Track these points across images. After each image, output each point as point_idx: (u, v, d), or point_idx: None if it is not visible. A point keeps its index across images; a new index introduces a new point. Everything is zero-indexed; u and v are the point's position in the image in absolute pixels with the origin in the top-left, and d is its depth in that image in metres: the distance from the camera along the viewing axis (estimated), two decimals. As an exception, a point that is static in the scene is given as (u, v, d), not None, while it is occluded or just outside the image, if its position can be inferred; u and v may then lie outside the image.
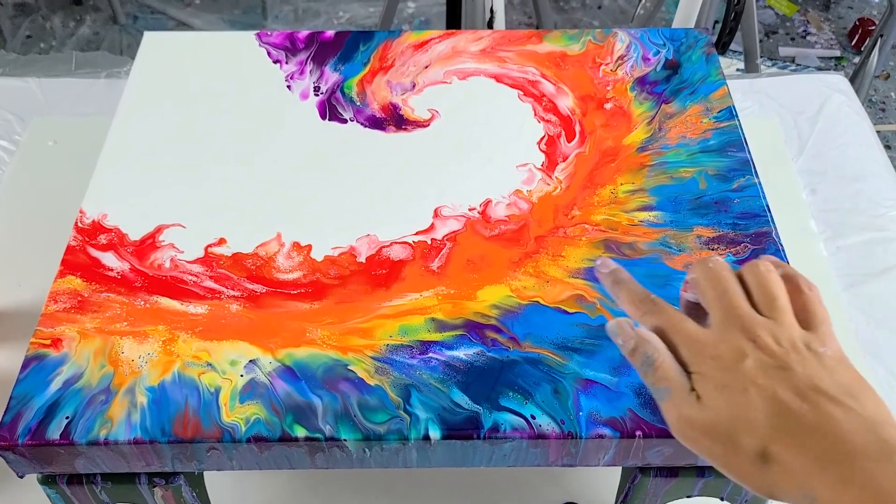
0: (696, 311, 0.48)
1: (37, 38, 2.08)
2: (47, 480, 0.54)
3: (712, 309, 0.46)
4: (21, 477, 0.54)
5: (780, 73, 1.03)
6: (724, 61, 0.75)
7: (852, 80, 1.06)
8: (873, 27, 2.16)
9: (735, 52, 1.99)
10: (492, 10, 1.25)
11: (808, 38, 2.26)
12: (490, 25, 1.29)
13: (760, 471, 0.40)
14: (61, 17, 2.14)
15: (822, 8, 2.34)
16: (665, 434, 0.51)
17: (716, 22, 1.59)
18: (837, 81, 1.00)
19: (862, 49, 2.19)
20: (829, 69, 2.15)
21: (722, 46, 1.21)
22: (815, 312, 0.45)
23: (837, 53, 2.21)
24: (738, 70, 1.84)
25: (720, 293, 0.46)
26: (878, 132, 0.96)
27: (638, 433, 0.51)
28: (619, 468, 0.61)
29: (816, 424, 0.39)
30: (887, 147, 1.95)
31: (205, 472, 0.60)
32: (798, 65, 2.17)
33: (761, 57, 1.97)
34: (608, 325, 0.48)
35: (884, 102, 2.10)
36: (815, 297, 0.46)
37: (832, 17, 2.33)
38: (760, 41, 2.17)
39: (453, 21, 1.36)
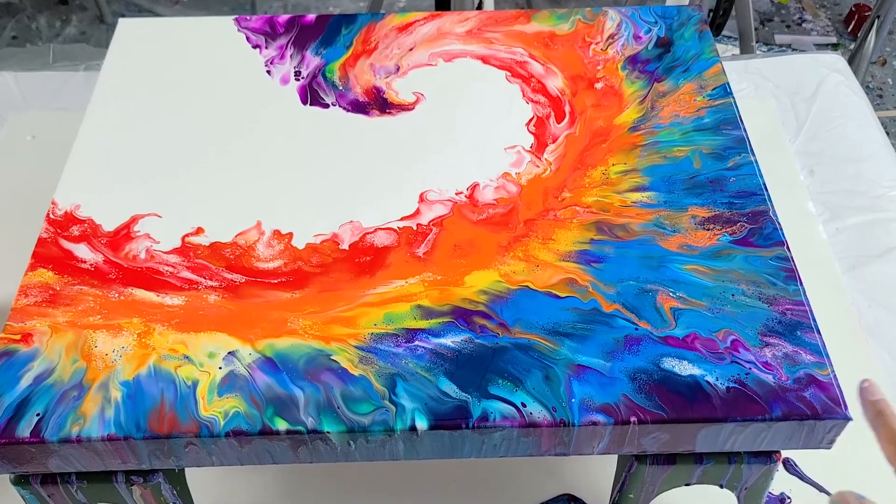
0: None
1: (22, 39, 2.05)
2: (20, 481, 0.52)
3: None
4: (-9, 477, 0.51)
5: (776, 53, 1.01)
6: (718, 46, 0.72)
7: (849, 64, 1.03)
8: (869, 13, 2.14)
9: (729, 37, 1.96)
10: (481, -4, 1.23)
11: (804, 24, 2.24)
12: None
13: None
14: (47, 16, 2.11)
15: (816, -6, 2.32)
16: (661, 420, 0.49)
17: (710, 10, 1.56)
18: (835, 61, 0.98)
19: (859, 35, 2.16)
20: (824, 55, 2.12)
21: (716, 29, 1.19)
22: None
23: (834, 40, 2.19)
24: (732, 55, 1.82)
25: None
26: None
27: (633, 419, 0.49)
28: (616, 457, 0.59)
29: None
30: (886, 134, 1.92)
31: (186, 469, 0.58)
32: (794, 50, 2.15)
33: (756, 42, 1.94)
34: (830, 500, 0.45)
35: (881, 88, 2.08)
36: None
37: (828, 4, 2.30)
38: (756, 29, 2.14)
39: (442, 9, 1.33)
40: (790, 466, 0.65)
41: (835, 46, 2.18)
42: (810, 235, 0.82)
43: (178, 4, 2.17)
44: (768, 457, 0.53)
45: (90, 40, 2.03)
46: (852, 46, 2.15)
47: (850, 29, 2.20)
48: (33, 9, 2.12)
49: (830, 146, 0.89)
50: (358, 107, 0.68)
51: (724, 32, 1.84)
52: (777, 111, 0.93)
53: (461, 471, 0.68)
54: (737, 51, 1.67)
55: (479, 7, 1.28)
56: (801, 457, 0.65)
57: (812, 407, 0.49)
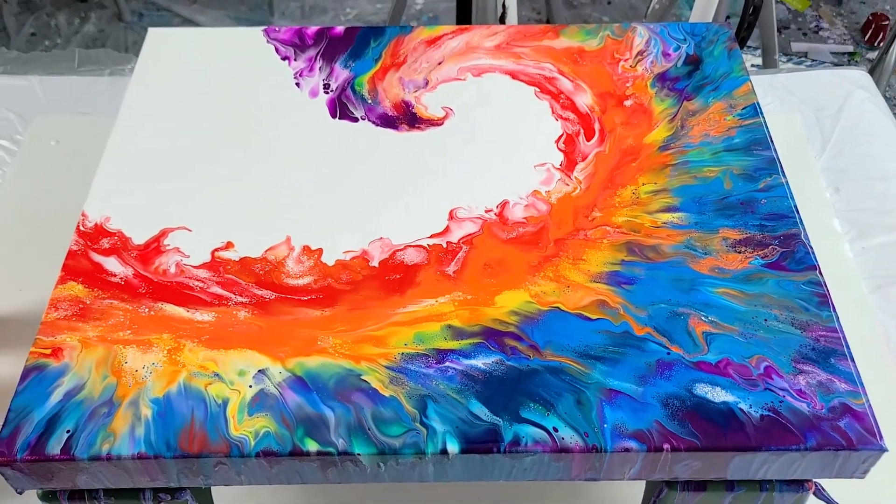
0: None
1: (41, 36, 2.06)
2: (47, 496, 0.52)
3: None
4: (20, 493, 0.51)
5: (800, 68, 1.00)
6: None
7: (870, 75, 1.03)
8: (887, 22, 2.13)
9: (750, 47, 1.96)
10: (504, 6, 1.22)
11: (821, 33, 2.23)
12: (502, 21, 1.27)
13: None
14: (66, 14, 2.12)
15: (834, 3, 2.31)
16: (694, 447, 0.48)
17: (728, 17, 1.56)
18: (860, 77, 0.97)
19: (875, 44, 2.15)
20: (842, 64, 2.12)
21: (740, 42, 1.18)
22: None
23: (850, 49, 2.18)
24: (753, 66, 1.81)
25: None
26: None
27: (666, 446, 0.48)
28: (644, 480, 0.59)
29: None
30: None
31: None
32: (813, 60, 2.14)
33: (774, 52, 1.93)
34: None
35: (899, 98, 2.06)
36: None
37: (844, 12, 2.29)
38: (773, 36, 2.13)
39: (463, 17, 1.33)
40: (818, 491, 0.65)
41: (851, 55, 2.17)
42: (836, 254, 0.81)
43: (195, 3, 2.17)
44: (800, 485, 0.52)
45: (109, 38, 2.04)
46: (869, 56, 2.14)
47: (866, 38, 2.19)
48: (52, 6, 2.13)
49: (856, 163, 0.88)
50: (387, 121, 0.68)
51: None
52: (802, 127, 0.92)
53: (483, 486, 0.68)
54: (757, 60, 1.66)
55: (504, 9, 1.27)
56: (830, 481, 0.65)
57: (847, 437, 0.48)
